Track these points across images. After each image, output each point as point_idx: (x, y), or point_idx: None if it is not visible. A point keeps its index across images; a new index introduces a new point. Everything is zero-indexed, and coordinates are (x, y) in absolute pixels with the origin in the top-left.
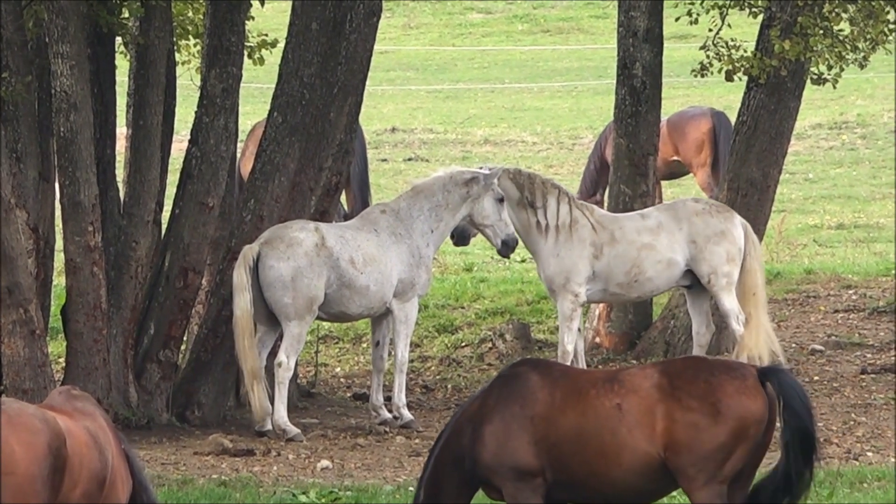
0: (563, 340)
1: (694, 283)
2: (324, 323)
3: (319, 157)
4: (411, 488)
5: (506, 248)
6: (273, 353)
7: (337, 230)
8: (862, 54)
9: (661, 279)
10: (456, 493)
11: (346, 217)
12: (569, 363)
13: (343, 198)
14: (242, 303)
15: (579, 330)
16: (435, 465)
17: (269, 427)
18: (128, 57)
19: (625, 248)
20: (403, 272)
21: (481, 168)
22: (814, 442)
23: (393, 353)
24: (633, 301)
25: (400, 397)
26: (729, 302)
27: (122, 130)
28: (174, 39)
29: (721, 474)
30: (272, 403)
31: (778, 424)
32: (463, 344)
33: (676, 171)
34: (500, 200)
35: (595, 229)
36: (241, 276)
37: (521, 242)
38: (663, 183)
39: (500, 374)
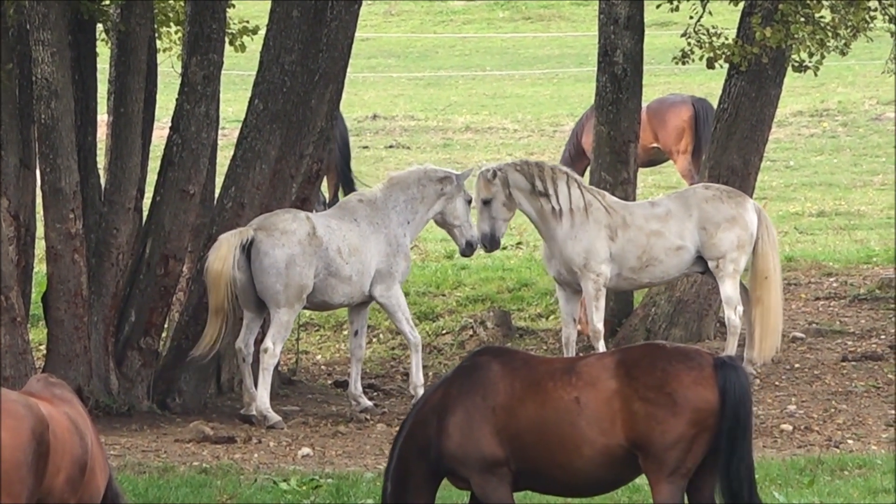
0: (593, 320)
1: (707, 269)
2: (305, 311)
3: (300, 145)
4: None
5: (469, 249)
6: (258, 341)
7: (323, 220)
8: (843, 41)
9: (671, 264)
10: (422, 483)
11: (326, 205)
12: (600, 341)
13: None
14: (221, 265)
15: (575, 320)
16: (400, 457)
17: (253, 412)
18: (109, 44)
19: (635, 233)
20: (381, 262)
21: (492, 167)
22: (745, 443)
23: (404, 338)
24: (645, 287)
25: (418, 376)
26: (731, 289)
27: (103, 118)
28: (155, 26)
29: (683, 467)
30: (255, 389)
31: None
32: (444, 331)
33: (656, 158)
34: (469, 202)
35: (609, 212)
36: (226, 245)
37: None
38: (645, 170)
39: (461, 365)
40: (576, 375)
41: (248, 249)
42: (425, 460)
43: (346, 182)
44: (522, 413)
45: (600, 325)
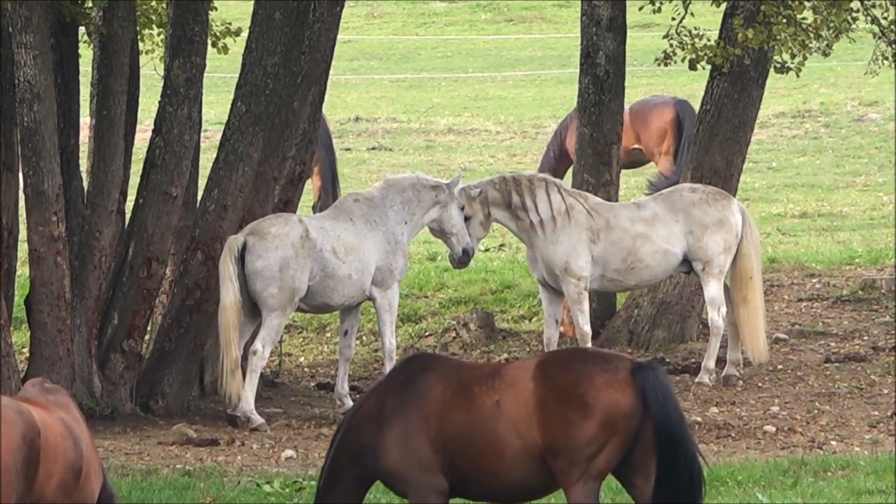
0: (579, 323)
1: (692, 269)
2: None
3: (283, 147)
4: None
5: (465, 257)
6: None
7: (317, 222)
8: (825, 42)
9: (658, 268)
10: (351, 487)
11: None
12: (588, 343)
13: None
14: (229, 294)
15: (557, 321)
16: (333, 460)
17: (239, 413)
18: (91, 47)
19: (620, 235)
20: (381, 260)
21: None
22: (680, 442)
23: (380, 341)
24: (632, 289)
25: None
26: (716, 290)
27: (85, 120)
28: (138, 29)
29: (594, 469)
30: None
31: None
32: (427, 333)
33: (637, 159)
34: (462, 208)
35: (591, 215)
36: (226, 267)
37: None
38: (627, 172)
39: (393, 375)
40: (499, 379)
41: (241, 254)
42: (357, 465)
43: (333, 189)
44: (451, 420)
45: (587, 328)
